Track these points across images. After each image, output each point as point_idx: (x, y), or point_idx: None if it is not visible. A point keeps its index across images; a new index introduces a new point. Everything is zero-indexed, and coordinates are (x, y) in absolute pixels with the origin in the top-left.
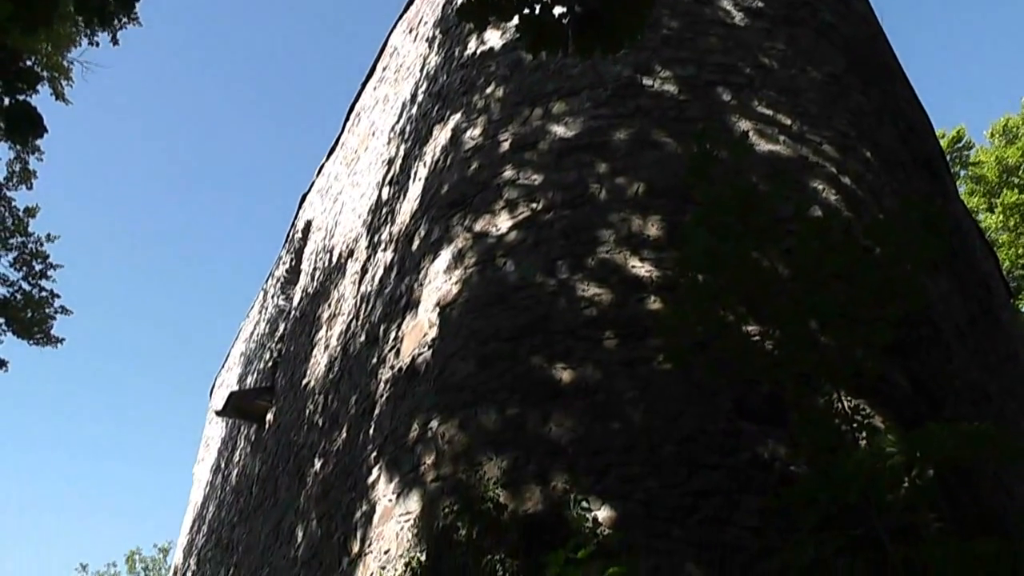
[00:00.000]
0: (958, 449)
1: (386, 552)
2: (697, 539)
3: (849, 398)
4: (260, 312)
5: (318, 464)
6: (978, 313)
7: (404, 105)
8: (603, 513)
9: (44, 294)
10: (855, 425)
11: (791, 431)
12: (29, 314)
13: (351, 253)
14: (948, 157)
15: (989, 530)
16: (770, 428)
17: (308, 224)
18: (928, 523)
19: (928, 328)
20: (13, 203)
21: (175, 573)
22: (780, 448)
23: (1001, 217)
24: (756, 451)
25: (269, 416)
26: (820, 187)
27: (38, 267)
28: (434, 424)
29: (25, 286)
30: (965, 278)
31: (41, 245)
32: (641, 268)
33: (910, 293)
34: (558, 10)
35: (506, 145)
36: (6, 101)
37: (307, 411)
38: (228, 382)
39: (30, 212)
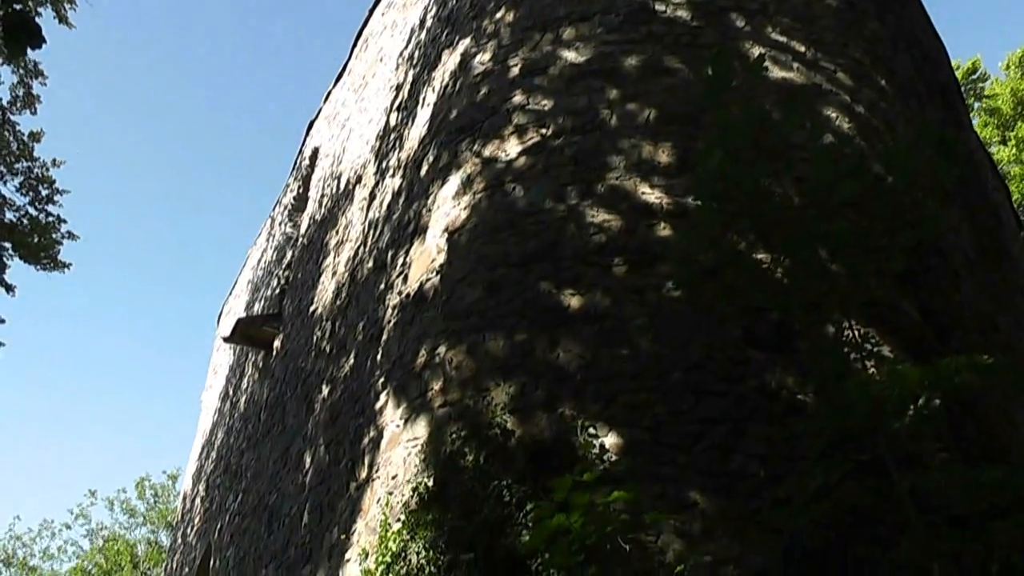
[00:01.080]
0: (966, 380)
1: (394, 477)
2: (703, 466)
3: (858, 327)
4: (267, 239)
5: (326, 390)
6: (988, 244)
7: (413, 30)
8: (610, 439)
9: (51, 219)
10: (864, 354)
11: (799, 359)
12: (36, 239)
13: (359, 179)
14: (963, 88)
15: (993, 460)
16: (778, 356)
17: (315, 151)
18: (933, 452)
19: (937, 258)
20: (17, 127)
21: (184, 499)
22: (788, 377)
23: (1014, 150)
24: (764, 379)
25: (277, 343)
26: (834, 115)
27: (44, 192)
28: (442, 350)
29: (32, 211)
30: (976, 209)
31: (47, 170)
32: (651, 195)
33: (922, 221)
34: None
35: (516, 70)
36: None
37: (315, 337)
38: (235, 309)
39: (35, 136)
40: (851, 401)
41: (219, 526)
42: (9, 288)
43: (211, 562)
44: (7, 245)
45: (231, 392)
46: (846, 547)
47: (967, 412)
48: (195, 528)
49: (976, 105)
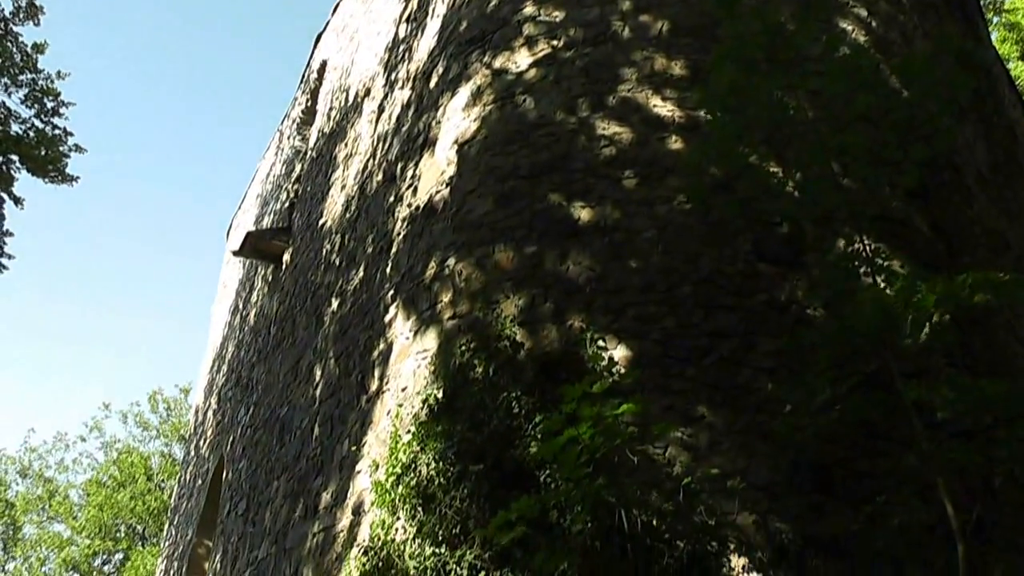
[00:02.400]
0: (976, 296)
1: (403, 389)
2: (711, 380)
3: (869, 241)
4: (276, 153)
5: (335, 303)
6: (1002, 160)
7: None
8: (619, 352)
9: (57, 132)
10: (874, 268)
11: (809, 274)
12: (43, 152)
13: (368, 92)
14: (982, 2)
15: (1000, 375)
16: (788, 270)
17: (323, 64)
18: (940, 367)
19: (950, 173)
20: (21, 39)
21: (196, 412)
22: (797, 291)
23: None
24: (773, 293)
25: (286, 256)
26: (850, 28)
27: (49, 104)
28: (451, 262)
29: (38, 123)
30: (991, 124)
31: (52, 82)
32: (663, 107)
33: (936, 136)
34: None
35: None
36: None
37: (324, 251)
38: (245, 223)
39: (38, 48)
40: (861, 314)
41: (231, 439)
42: (17, 201)
43: (224, 474)
44: (14, 158)
45: (241, 306)
46: (852, 461)
47: (976, 327)
48: (207, 441)
49: (996, 20)
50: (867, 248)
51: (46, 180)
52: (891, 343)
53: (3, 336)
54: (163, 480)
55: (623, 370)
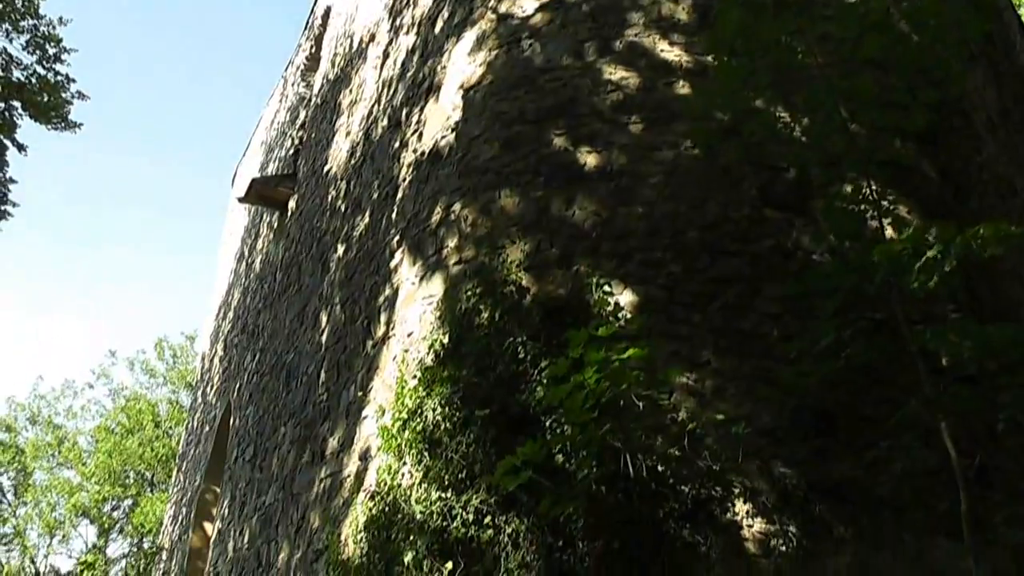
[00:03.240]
0: (988, 249)
1: (409, 335)
2: (717, 325)
3: (876, 186)
4: (280, 100)
5: (341, 249)
6: (1012, 106)
7: None
8: (625, 297)
9: (60, 78)
10: (880, 213)
11: (815, 219)
12: (45, 98)
13: (372, 38)
14: None
15: (1005, 322)
16: (794, 216)
17: (328, 10)
18: (946, 313)
19: (960, 118)
20: None
21: (203, 359)
22: (803, 236)
23: None
24: (779, 238)
25: (291, 203)
26: None
27: (52, 51)
28: (457, 207)
29: (40, 70)
30: (1001, 70)
31: (54, 28)
32: (670, 52)
33: (946, 80)
34: None
35: None
36: None
37: (329, 197)
38: (250, 170)
39: None
40: (868, 260)
41: (238, 385)
42: (21, 147)
43: (231, 420)
44: (16, 104)
45: (246, 253)
46: (856, 407)
47: (981, 274)
48: (214, 387)
49: None
50: (874, 193)
51: (49, 127)
52: (898, 289)
53: (10, 284)
54: (171, 427)
55: (629, 315)
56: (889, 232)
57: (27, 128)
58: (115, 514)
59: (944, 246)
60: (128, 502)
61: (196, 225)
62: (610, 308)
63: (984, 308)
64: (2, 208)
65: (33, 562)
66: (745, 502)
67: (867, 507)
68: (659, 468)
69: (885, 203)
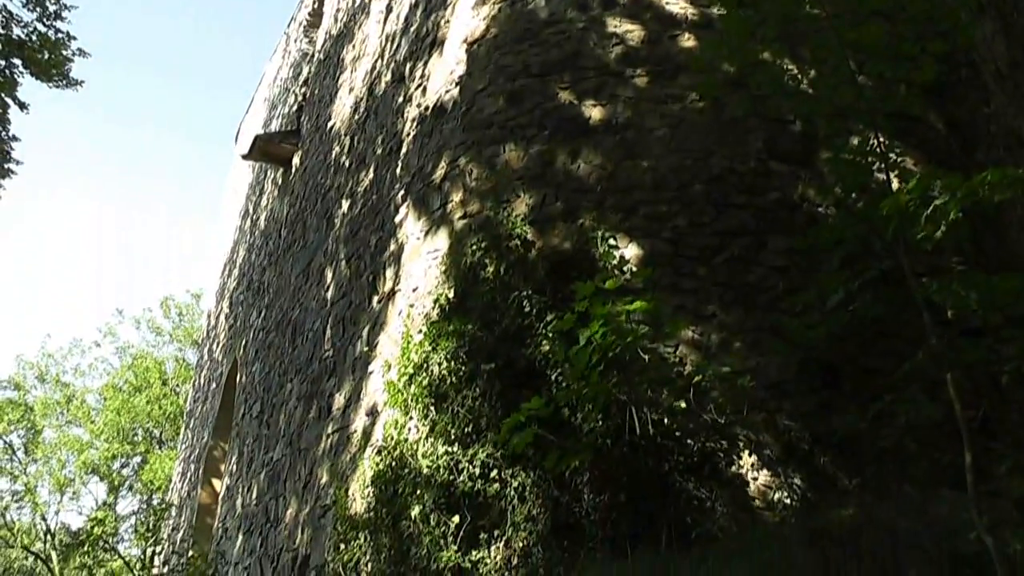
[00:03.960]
0: (997, 195)
1: (414, 290)
2: (723, 279)
3: (883, 138)
4: (283, 56)
5: (345, 205)
6: (1021, 57)
7: None
8: (630, 251)
9: (60, 35)
10: (887, 165)
11: (822, 172)
12: (46, 55)
13: None
14: None
15: (1011, 274)
16: (800, 168)
17: None
18: (952, 265)
19: (968, 70)
20: None
21: (209, 317)
22: (809, 189)
23: None
24: (785, 191)
25: (295, 159)
26: None
27: (51, 7)
28: (461, 161)
29: (40, 27)
30: (1011, 21)
31: None
32: (675, 5)
33: (954, 31)
34: None
35: None
36: None
37: (333, 153)
38: (253, 127)
39: None
40: (875, 211)
41: (244, 342)
42: (23, 106)
43: (238, 377)
44: (17, 62)
45: (251, 210)
46: (861, 359)
47: (988, 226)
48: (220, 345)
49: None
50: (882, 145)
51: (50, 84)
52: (904, 241)
53: (16, 241)
54: (178, 385)
55: (634, 269)
56: (896, 184)
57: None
58: (124, 471)
59: (951, 194)
60: (137, 459)
61: (202, 182)
62: (615, 262)
63: (990, 260)
64: (5, 167)
65: (44, 519)
66: (750, 455)
67: (871, 459)
68: (665, 421)
69: (892, 155)
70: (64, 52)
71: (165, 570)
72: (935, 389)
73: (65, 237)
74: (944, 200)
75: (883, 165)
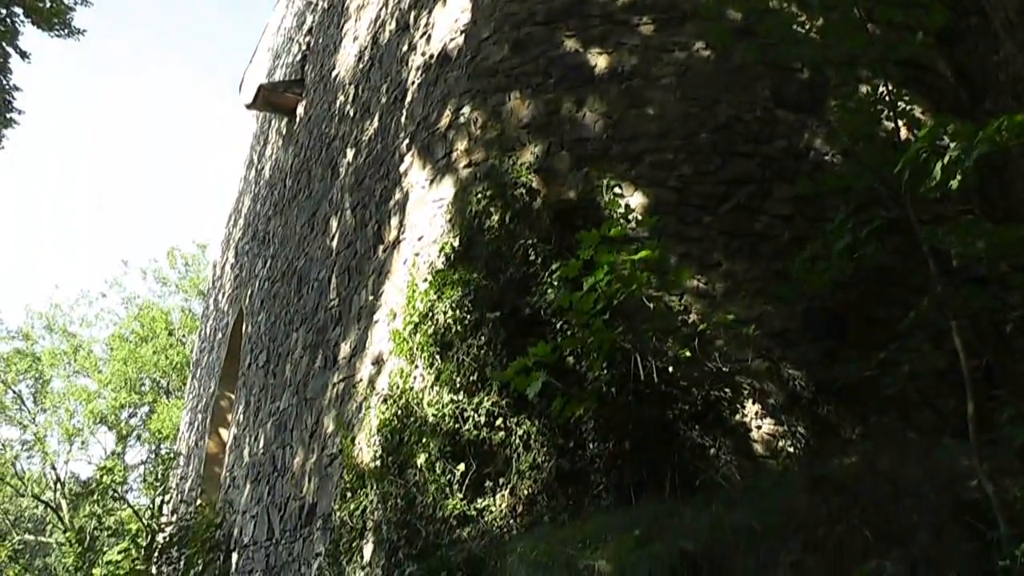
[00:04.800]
0: (1009, 137)
1: (420, 238)
2: (728, 227)
3: (891, 86)
4: (287, 5)
5: (350, 154)
6: None
7: None
8: (635, 199)
9: None
10: (895, 113)
11: (828, 120)
12: (47, 3)
13: None
14: None
15: (1016, 222)
16: (807, 117)
17: None
18: (958, 213)
19: (977, 17)
20: None
21: (215, 267)
22: (816, 137)
23: None
24: (792, 140)
25: (300, 108)
26: None
27: None
28: (466, 110)
29: None
30: None
31: None
32: None
33: None
34: None
35: None
36: None
37: (338, 102)
38: (257, 77)
39: None
40: (886, 162)
41: (250, 292)
42: (24, 55)
43: (243, 327)
44: (18, 11)
45: (256, 159)
46: (866, 308)
47: (994, 176)
48: (226, 295)
49: None
50: (890, 93)
51: (52, 34)
52: (911, 188)
53: (22, 194)
54: (184, 335)
55: (640, 217)
56: (904, 133)
57: (30, 35)
58: (132, 421)
59: (966, 145)
60: (144, 409)
61: (204, 136)
62: (621, 210)
63: (996, 210)
64: (7, 116)
65: (54, 468)
66: (754, 403)
67: (875, 408)
68: (669, 370)
69: (901, 104)
70: (65, 1)
71: (174, 518)
72: (939, 338)
73: (72, 187)
74: (958, 151)
75: (891, 113)
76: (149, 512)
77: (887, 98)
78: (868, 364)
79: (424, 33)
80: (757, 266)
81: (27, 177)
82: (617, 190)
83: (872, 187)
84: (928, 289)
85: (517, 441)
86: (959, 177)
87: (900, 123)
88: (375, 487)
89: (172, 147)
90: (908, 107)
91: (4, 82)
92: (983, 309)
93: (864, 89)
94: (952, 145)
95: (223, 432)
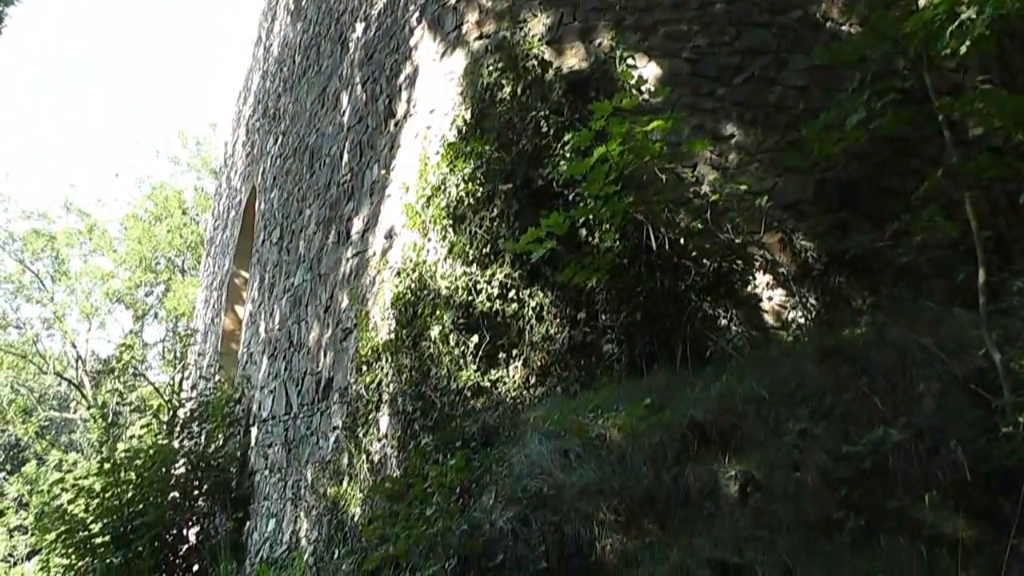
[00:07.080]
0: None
1: (431, 112)
2: (742, 98)
3: None
4: None
5: (360, 28)
6: None
7: None
8: (649, 70)
9: None
10: None
11: None
12: None
13: None
14: None
15: None
16: None
17: None
18: (975, 84)
19: None
20: None
21: (226, 146)
22: (832, 7)
23: None
24: (807, 9)
25: None
26: None
27: None
28: None
29: None
30: None
31: None
32: None
33: None
34: None
35: None
36: None
37: None
38: None
39: None
40: (899, 29)
41: (262, 169)
42: None
43: (256, 204)
44: None
45: (264, 37)
46: (880, 178)
47: (1016, 44)
48: (238, 172)
49: None
50: None
51: None
52: (927, 58)
53: (34, 77)
54: (197, 214)
55: (653, 88)
56: (923, 1)
57: None
58: (148, 300)
59: (979, 6)
60: (160, 288)
61: (211, 13)
62: (634, 81)
63: (1017, 79)
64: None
65: (74, 346)
66: (765, 274)
67: (886, 279)
68: (681, 241)
69: None
70: None
71: (193, 394)
72: (952, 208)
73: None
74: (971, 14)
75: None
76: (169, 388)
77: None
78: (880, 235)
79: None
80: (771, 138)
81: (36, 60)
82: (630, 61)
83: (888, 55)
84: (942, 161)
85: (530, 312)
86: (968, 43)
87: None
88: (390, 360)
89: (182, 26)
90: None
91: None
92: (997, 179)
93: None
94: (966, 9)
95: (239, 309)
